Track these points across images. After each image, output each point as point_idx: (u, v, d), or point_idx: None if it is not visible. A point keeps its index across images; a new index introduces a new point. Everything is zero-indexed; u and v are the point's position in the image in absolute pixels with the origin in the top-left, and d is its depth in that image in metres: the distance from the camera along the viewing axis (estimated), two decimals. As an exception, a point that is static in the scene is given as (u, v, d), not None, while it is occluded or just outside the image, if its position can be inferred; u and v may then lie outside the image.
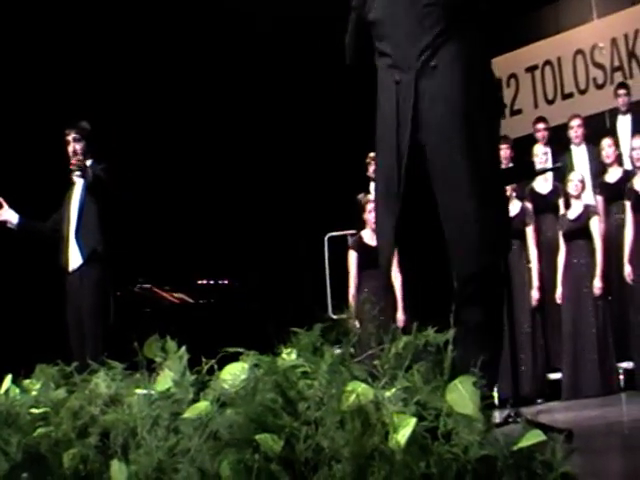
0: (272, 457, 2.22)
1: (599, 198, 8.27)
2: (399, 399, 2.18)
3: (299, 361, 2.43)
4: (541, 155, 8.46)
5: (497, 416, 4.80)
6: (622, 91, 9.31)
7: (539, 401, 7.78)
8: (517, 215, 8.08)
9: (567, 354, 7.77)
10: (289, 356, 2.48)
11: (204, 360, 2.66)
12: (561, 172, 8.41)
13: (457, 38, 3.57)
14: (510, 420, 4.73)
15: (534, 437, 2.17)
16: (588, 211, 7.96)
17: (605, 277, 7.80)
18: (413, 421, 2.12)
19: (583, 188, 8.07)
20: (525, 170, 6.93)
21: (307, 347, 2.46)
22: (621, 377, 7.75)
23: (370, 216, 7.83)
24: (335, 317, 2.70)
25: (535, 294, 7.99)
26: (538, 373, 7.93)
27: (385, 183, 3.64)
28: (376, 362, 2.34)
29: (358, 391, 2.20)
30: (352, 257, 8.37)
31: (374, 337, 2.41)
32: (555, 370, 7.94)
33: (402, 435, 2.12)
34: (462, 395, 2.17)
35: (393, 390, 2.20)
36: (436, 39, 3.54)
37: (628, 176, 8.03)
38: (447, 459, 2.13)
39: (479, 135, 3.53)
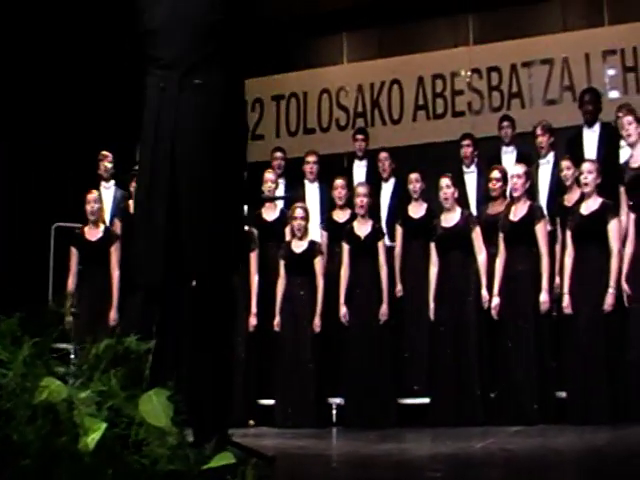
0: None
1: (324, 234, 8.46)
2: (93, 402, 2.12)
3: (-4, 348, 2.30)
4: (270, 183, 8.55)
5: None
6: (360, 136, 9.62)
7: (251, 423, 7.83)
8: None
9: (283, 383, 7.87)
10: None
11: None
12: (291, 203, 8.56)
13: (221, 60, 3.64)
14: (215, 440, 4.68)
15: (225, 459, 2.17)
16: (314, 249, 8.10)
17: (324, 315, 7.94)
18: (103, 426, 2.06)
19: (307, 221, 8.14)
20: (250, 195, 6.90)
21: (6, 335, 2.34)
22: (333, 412, 7.93)
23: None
24: (51, 309, 2.58)
25: (252, 320, 8.04)
26: (250, 398, 7.99)
27: (146, 191, 3.62)
28: (76, 362, 2.26)
29: (51, 388, 2.11)
30: (73, 253, 8.12)
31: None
32: (268, 396, 8.01)
33: (92, 439, 2.06)
34: (155, 407, 2.14)
35: (88, 392, 2.13)
36: (202, 58, 3.62)
37: (355, 218, 8.23)
38: (135, 469, 2.08)
39: (226, 156, 3.58)
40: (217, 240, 3.52)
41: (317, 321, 7.89)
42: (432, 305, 7.60)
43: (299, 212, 8.11)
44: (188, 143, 3.55)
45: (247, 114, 4.04)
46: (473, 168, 8.84)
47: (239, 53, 3.73)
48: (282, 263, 8.09)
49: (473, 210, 8.23)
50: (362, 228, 8.03)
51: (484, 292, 7.43)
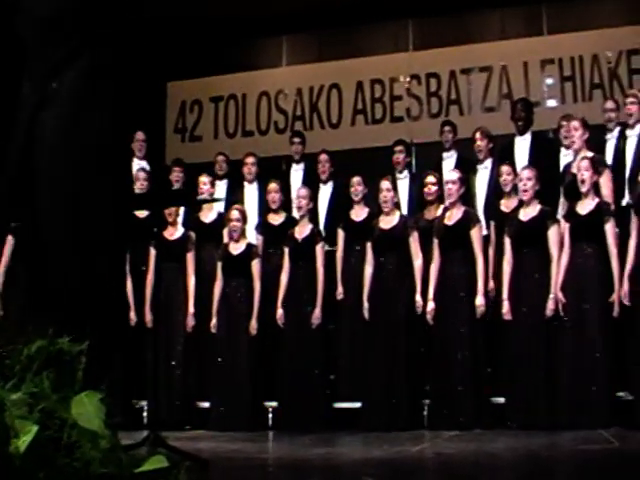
0: None
1: (260, 237, 8.43)
2: (24, 404, 2.06)
3: None
4: (203, 185, 8.51)
5: (138, 437, 4.71)
6: (297, 139, 9.61)
7: (187, 427, 7.78)
8: (179, 240, 8.20)
9: (219, 386, 7.83)
10: None
11: None
12: (226, 205, 8.52)
13: (89, 58, 3.22)
14: (148, 443, 4.65)
15: (157, 462, 2.14)
16: (250, 251, 8.08)
17: (260, 318, 7.91)
18: (35, 428, 2.01)
19: (243, 222, 8.12)
20: (181, 197, 6.81)
21: None
22: (269, 416, 7.90)
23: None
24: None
25: (190, 321, 8.01)
26: (188, 400, 7.95)
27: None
28: (7, 362, 2.21)
29: (-20, 390, 2.06)
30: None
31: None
32: (206, 399, 7.96)
33: (23, 441, 2.01)
34: (88, 409, 2.09)
35: (19, 394, 2.08)
36: (64, 57, 3.20)
37: (293, 221, 8.26)
38: (68, 472, 2.04)
39: (94, 165, 3.23)
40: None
41: (253, 323, 7.87)
42: (366, 305, 7.60)
43: (235, 214, 8.08)
44: (46, 150, 3.23)
45: (123, 119, 3.62)
46: (405, 174, 8.87)
47: (115, 48, 3.35)
48: (219, 265, 8.06)
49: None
50: (301, 231, 8.03)
51: (418, 298, 7.45)
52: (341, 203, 8.47)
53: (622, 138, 7.76)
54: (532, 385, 6.90)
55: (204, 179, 8.61)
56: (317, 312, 7.78)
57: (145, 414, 7.86)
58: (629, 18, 9.87)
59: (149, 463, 2.12)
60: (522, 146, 8.45)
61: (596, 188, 7.07)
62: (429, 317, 7.32)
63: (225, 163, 9.42)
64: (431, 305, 7.34)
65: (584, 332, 6.72)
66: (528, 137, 8.48)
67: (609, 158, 7.72)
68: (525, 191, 7.23)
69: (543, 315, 6.93)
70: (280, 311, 7.86)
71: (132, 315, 8.02)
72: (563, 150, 8.09)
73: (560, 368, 6.82)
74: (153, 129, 10.19)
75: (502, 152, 8.53)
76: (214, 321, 7.97)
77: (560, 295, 6.88)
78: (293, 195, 8.63)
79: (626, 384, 6.58)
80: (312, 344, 7.78)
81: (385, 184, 7.78)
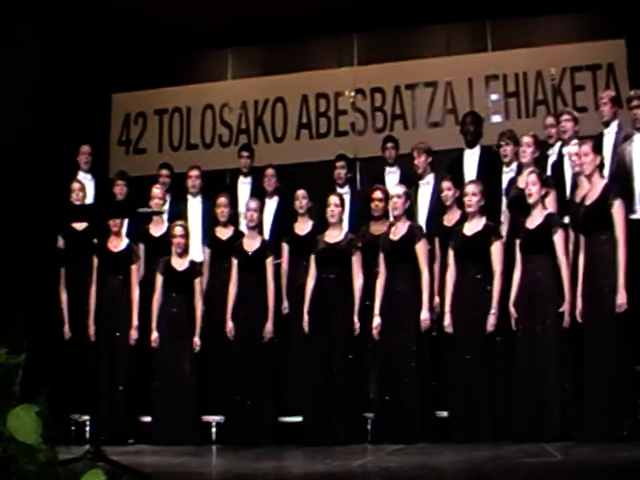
0: None
1: (207, 251, 8.36)
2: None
3: None
4: (157, 199, 8.46)
5: (79, 452, 4.66)
6: (245, 153, 9.55)
7: (131, 442, 7.70)
8: (123, 252, 8.18)
9: (162, 400, 7.76)
10: None
11: None
12: (170, 218, 8.47)
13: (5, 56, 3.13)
14: (88, 457, 4.60)
15: (94, 476, 2.10)
16: (194, 269, 8.03)
17: (206, 330, 7.89)
18: (-31, 442, 1.95)
19: (187, 238, 8.09)
20: (122, 209, 6.73)
21: None
22: (213, 430, 7.84)
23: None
24: None
25: (134, 334, 7.94)
26: (132, 414, 7.89)
27: None
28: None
29: None
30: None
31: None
32: (150, 413, 7.89)
33: (-45, 457, 1.94)
34: (25, 423, 2.04)
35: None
36: None
37: (241, 235, 8.22)
38: (3, 487, 1.98)
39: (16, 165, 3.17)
40: None
41: (196, 340, 7.86)
42: (306, 318, 7.59)
43: (178, 230, 8.06)
44: None
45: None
46: (347, 189, 8.88)
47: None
48: (160, 279, 8.00)
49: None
50: (251, 243, 8.00)
51: (355, 320, 7.42)
52: (286, 217, 8.44)
53: (560, 155, 7.84)
54: (475, 399, 6.91)
55: (157, 191, 8.57)
56: (269, 326, 7.75)
57: (87, 428, 7.75)
58: (573, 36, 10.03)
59: (86, 477, 2.07)
60: (471, 160, 8.50)
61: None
62: (375, 332, 7.30)
63: (168, 178, 9.37)
64: (377, 320, 7.32)
65: (535, 345, 6.73)
66: (477, 151, 8.54)
67: (550, 173, 7.78)
68: (470, 206, 7.26)
69: (485, 329, 6.95)
70: (230, 324, 7.81)
71: (66, 329, 7.95)
72: (504, 167, 8.14)
73: (505, 381, 6.84)
74: (97, 141, 10.12)
75: (451, 165, 8.58)
76: (155, 335, 7.90)
77: (512, 310, 6.90)
78: (240, 208, 8.59)
79: (576, 398, 6.59)
80: (259, 358, 7.74)
81: (333, 199, 7.77)
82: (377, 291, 7.41)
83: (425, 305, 7.22)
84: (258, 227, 8.14)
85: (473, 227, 7.24)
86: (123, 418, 7.83)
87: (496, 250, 7.11)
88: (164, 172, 9.38)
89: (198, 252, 8.41)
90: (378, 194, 7.96)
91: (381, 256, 7.47)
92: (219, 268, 8.24)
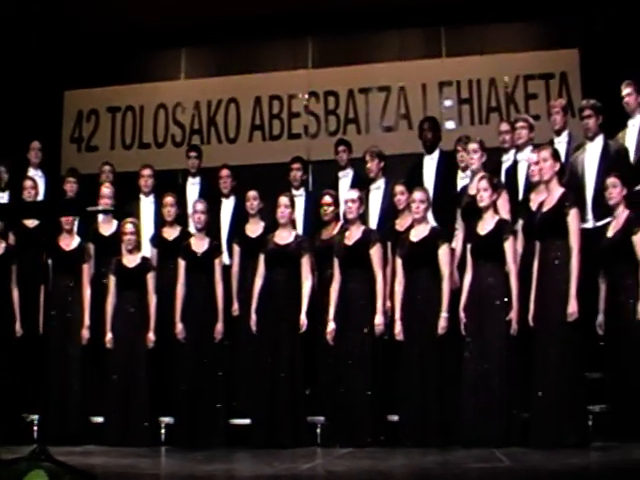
0: None
1: (154, 251, 8.30)
2: None
3: None
4: (107, 199, 8.36)
5: (25, 451, 4.59)
6: (193, 154, 9.50)
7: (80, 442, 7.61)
8: (75, 250, 8.09)
9: (113, 402, 7.68)
10: None
11: None
12: (121, 217, 8.38)
13: None
14: (34, 456, 4.53)
15: (37, 476, 2.10)
16: (145, 265, 7.96)
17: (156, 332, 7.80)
18: None
19: (137, 235, 8.02)
20: (72, 206, 6.65)
21: None
22: (162, 431, 7.79)
23: None
24: None
25: (85, 334, 7.84)
26: (83, 414, 7.80)
27: None
28: None
29: None
30: None
31: None
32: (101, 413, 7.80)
33: None
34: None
35: None
36: None
37: (188, 235, 8.16)
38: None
39: None
40: None
41: (151, 336, 7.77)
42: (253, 317, 7.55)
43: (129, 227, 7.99)
44: None
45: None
46: (302, 192, 8.88)
47: None
48: (113, 278, 7.92)
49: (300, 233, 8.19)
50: (199, 244, 7.93)
51: (302, 317, 7.37)
52: (243, 218, 8.39)
53: (514, 161, 7.91)
54: (425, 403, 6.93)
55: (107, 190, 8.50)
56: (219, 327, 7.70)
57: (35, 428, 7.66)
58: (527, 44, 10.14)
59: (28, 477, 2.07)
60: (430, 165, 8.54)
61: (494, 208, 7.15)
62: (329, 337, 7.29)
63: (111, 174, 9.30)
64: (332, 325, 7.31)
65: (483, 351, 6.76)
66: (436, 156, 8.58)
67: (504, 180, 7.84)
68: (417, 213, 7.28)
69: (435, 334, 6.98)
70: (180, 325, 7.75)
71: (17, 326, 7.86)
72: (460, 172, 8.19)
73: (455, 386, 6.86)
74: (49, 138, 10.02)
75: (411, 171, 8.63)
76: (109, 336, 7.82)
77: (462, 315, 6.93)
78: (189, 209, 8.53)
79: (524, 402, 6.63)
80: (210, 359, 7.68)
81: (283, 200, 7.73)
82: (331, 296, 7.39)
83: (379, 310, 7.22)
84: (206, 228, 8.02)
85: (419, 233, 7.25)
86: (74, 418, 7.74)
87: (443, 253, 7.13)
88: (106, 168, 9.36)
89: (148, 252, 8.34)
90: (327, 199, 7.96)
91: (336, 261, 7.46)
92: (166, 269, 8.15)
